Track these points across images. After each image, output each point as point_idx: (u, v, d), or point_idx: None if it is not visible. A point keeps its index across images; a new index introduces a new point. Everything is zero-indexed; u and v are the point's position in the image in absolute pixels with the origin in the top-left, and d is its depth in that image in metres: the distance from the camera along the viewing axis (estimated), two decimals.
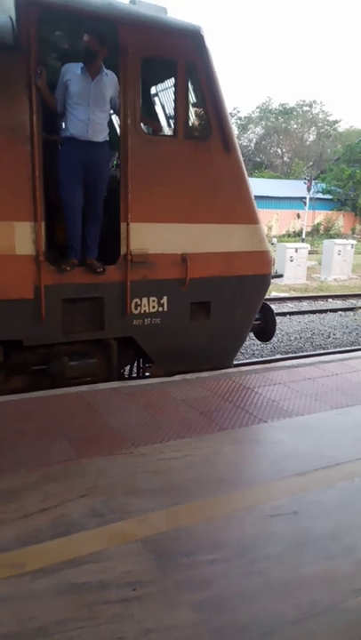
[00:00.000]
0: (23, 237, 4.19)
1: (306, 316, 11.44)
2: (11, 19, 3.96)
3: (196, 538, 2.48)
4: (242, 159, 5.13)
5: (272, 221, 38.67)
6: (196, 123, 5.06)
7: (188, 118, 4.81)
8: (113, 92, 4.39)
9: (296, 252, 17.03)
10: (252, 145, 57.66)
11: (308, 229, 36.90)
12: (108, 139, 4.51)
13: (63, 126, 4.48)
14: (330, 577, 2.24)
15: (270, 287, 6.22)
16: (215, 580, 2.19)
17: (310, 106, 58.03)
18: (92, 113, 4.29)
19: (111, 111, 4.59)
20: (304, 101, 58.27)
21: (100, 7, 4.25)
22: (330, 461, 3.26)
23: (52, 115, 4.38)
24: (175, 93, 4.76)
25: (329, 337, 9.64)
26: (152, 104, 5.70)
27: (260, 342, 7.75)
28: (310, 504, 2.79)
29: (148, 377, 5.26)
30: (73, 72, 4.25)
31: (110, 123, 4.93)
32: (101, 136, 4.41)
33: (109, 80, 4.35)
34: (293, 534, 2.53)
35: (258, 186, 29.67)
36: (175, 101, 4.76)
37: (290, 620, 1.99)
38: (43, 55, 4.41)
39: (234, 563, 2.31)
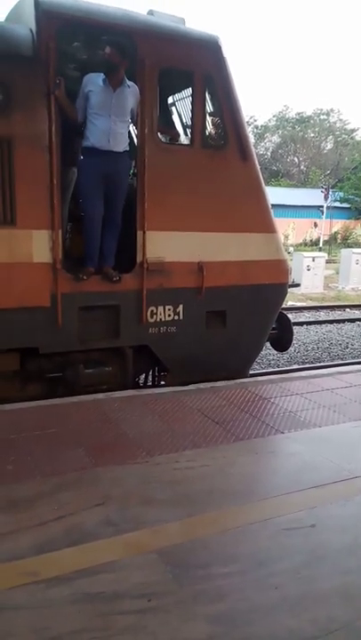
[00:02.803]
0: (41, 245, 4.23)
1: (323, 325, 11.33)
2: (31, 31, 4.03)
3: (212, 550, 2.45)
4: (259, 168, 5.13)
5: (289, 230, 38.54)
6: (213, 132, 5.07)
7: (205, 127, 4.83)
8: (133, 104, 4.42)
9: (313, 260, 16.94)
10: (269, 154, 57.69)
11: (326, 238, 36.70)
12: (128, 149, 4.54)
13: (84, 136, 4.51)
14: (347, 592, 2.20)
15: (287, 296, 6.18)
16: (231, 593, 2.16)
17: (327, 114, 58.02)
18: (114, 123, 4.32)
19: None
20: (321, 110, 58.33)
21: (118, 19, 4.30)
22: (348, 474, 3.21)
23: (70, 125, 4.42)
24: (192, 103, 4.79)
25: (347, 347, 9.53)
26: (169, 113, 5.73)
27: (276, 352, 7.68)
28: (328, 518, 2.74)
29: (163, 386, 5.24)
30: (95, 82, 4.28)
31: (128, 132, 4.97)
32: (122, 146, 4.44)
33: (131, 92, 4.38)
34: (310, 548, 2.49)
35: (274, 194, 29.51)
36: (192, 111, 4.78)
37: (306, 636, 1.95)
38: (61, 66, 4.46)
39: (250, 576, 2.28)
